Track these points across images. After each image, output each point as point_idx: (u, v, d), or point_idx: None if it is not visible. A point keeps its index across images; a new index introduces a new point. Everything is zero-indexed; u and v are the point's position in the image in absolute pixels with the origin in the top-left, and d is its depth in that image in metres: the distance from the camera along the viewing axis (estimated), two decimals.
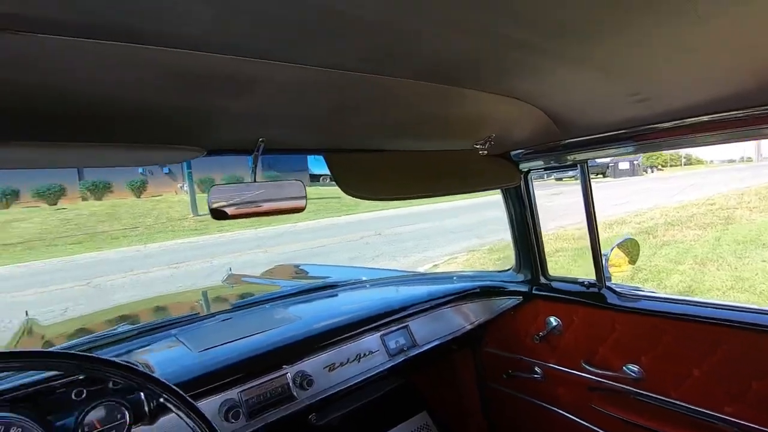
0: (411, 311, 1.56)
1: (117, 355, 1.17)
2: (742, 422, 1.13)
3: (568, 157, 1.40)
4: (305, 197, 1.11)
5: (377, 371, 1.39)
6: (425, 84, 0.86)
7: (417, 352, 1.50)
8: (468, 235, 8.88)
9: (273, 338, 1.26)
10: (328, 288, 1.69)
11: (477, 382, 1.89)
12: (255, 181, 1.06)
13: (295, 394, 1.20)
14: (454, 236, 9.07)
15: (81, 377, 0.89)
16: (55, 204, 14.44)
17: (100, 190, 15.22)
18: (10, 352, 0.76)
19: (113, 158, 0.82)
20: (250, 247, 9.44)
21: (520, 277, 1.71)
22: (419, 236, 9.42)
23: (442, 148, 1.37)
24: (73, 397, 0.86)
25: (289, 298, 1.59)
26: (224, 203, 1.00)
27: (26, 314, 2.00)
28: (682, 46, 0.72)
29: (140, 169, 16.47)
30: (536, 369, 1.65)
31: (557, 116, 1.18)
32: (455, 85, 0.90)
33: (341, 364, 1.34)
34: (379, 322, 1.46)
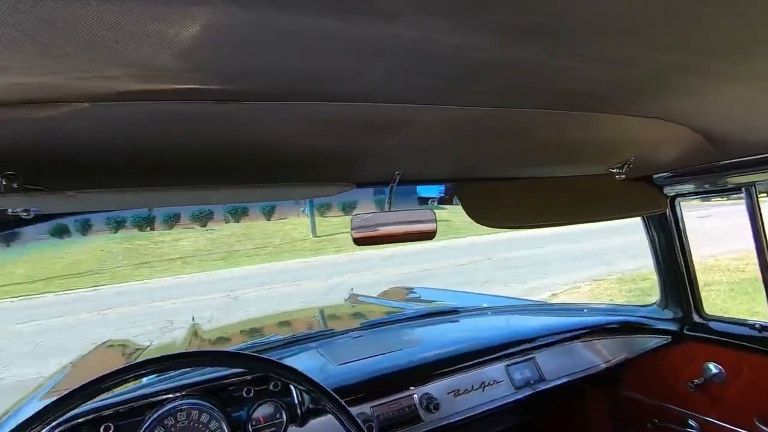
0: (538, 343, 1.49)
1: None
2: None
3: (729, 180, 1.23)
4: (435, 222, 1.16)
5: (502, 402, 1.35)
6: (561, 113, 0.86)
7: (545, 387, 1.43)
8: (592, 263, 8.09)
9: (401, 359, 1.32)
10: (450, 313, 1.72)
11: (612, 429, 1.71)
12: (390, 210, 1.16)
13: (422, 415, 1.24)
14: (575, 263, 8.35)
15: (249, 378, 1.04)
16: (205, 226, 17.00)
17: (238, 213, 17.53)
18: (207, 351, 0.94)
19: (279, 195, 0.98)
20: (362, 269, 9.90)
21: (668, 314, 1.52)
22: (534, 262, 8.88)
23: (574, 174, 1.32)
24: (244, 394, 1.02)
25: (413, 320, 1.65)
26: (364, 231, 1.11)
27: (192, 319, 2.38)
28: None
29: None
30: (690, 422, 1.43)
31: (712, 135, 1.06)
32: (593, 111, 0.88)
33: (465, 391, 1.33)
34: (504, 352, 1.43)
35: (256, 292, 8.66)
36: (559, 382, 1.45)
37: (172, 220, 17.28)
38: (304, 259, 12.26)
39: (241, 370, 0.98)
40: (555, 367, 1.48)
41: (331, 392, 0.81)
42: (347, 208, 18.65)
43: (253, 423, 0.98)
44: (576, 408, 1.76)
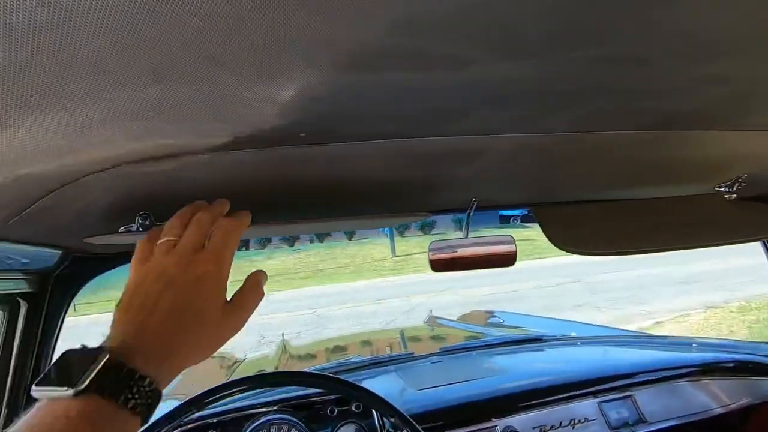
0: (637, 379, 1.36)
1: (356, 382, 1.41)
2: None
3: None
4: (515, 246, 1.14)
5: None
6: (650, 132, 0.81)
7: (647, 430, 1.29)
8: (704, 287, 7.12)
9: (482, 387, 1.29)
10: (534, 341, 1.64)
11: None
12: (467, 237, 1.16)
13: None
14: (682, 287, 7.41)
15: (332, 398, 1.10)
16: (293, 245, 18.13)
17: (322, 234, 18.46)
18: (300, 372, 1.02)
19: (362, 225, 1.04)
20: (441, 289, 9.78)
21: None
22: (633, 285, 8.05)
23: (673, 194, 1.21)
24: (328, 412, 1.07)
25: (494, 348, 1.60)
26: (442, 254, 1.12)
27: (282, 336, 2.56)
28: None
29: None
30: None
31: None
32: (693, 129, 0.81)
33: (553, 428, 1.26)
34: (597, 387, 1.33)
35: (340, 309, 8.98)
36: (663, 425, 1.30)
37: (264, 241, 18.69)
38: (385, 278, 12.45)
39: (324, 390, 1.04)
40: (658, 408, 1.34)
41: (409, 418, 0.83)
42: (425, 228, 18.67)
43: None
44: None
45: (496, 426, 1.21)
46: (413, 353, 1.55)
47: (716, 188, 1.18)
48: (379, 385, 1.36)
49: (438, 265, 1.13)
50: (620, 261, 10.10)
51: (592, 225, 1.18)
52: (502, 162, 0.90)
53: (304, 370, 1.18)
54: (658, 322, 5.89)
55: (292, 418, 1.01)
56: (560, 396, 1.29)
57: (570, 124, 0.73)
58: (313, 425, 1.05)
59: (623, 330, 1.94)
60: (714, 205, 1.21)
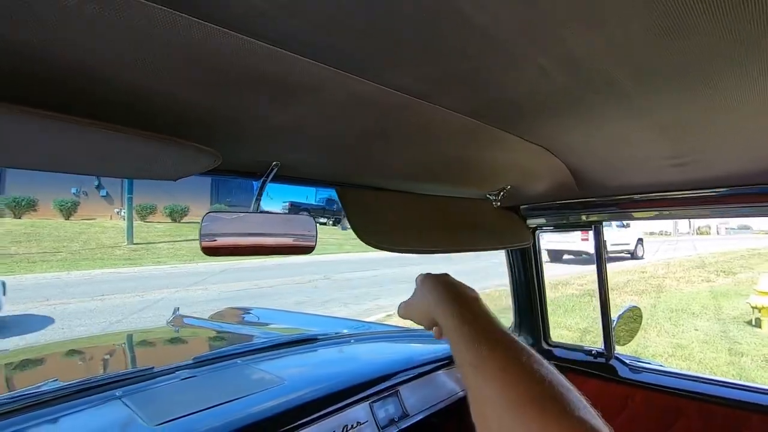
0: (403, 376, 1.37)
1: (42, 425, 0.88)
2: None
3: (583, 217, 1.34)
4: (315, 236, 0.93)
5: None
6: (471, 120, 0.75)
7: (409, 422, 1.30)
8: None
9: (249, 407, 1.02)
10: (308, 342, 1.46)
11: None
12: (258, 211, 0.88)
13: None
14: (406, 286, 8.93)
15: None
16: None
17: (21, 207, 13.68)
18: None
19: (110, 143, 0.59)
20: (188, 284, 8.73)
21: (522, 341, 1.59)
22: (370, 283, 9.20)
23: (456, 195, 1.26)
24: None
25: (262, 352, 1.34)
26: (221, 237, 0.80)
27: None
28: (735, 110, 0.67)
29: (73, 189, 15.13)
30: None
31: (579, 172, 1.11)
32: (492, 125, 0.80)
33: None
34: (369, 390, 1.26)
35: (38, 307, 6.70)
36: (421, 415, 1.35)
37: None
38: (115, 269, 10.19)
39: None
40: (417, 400, 1.38)
41: None
42: (176, 215, 16.34)
43: None
44: None
45: None
46: (153, 368, 1.12)
47: (487, 195, 1.31)
48: (90, 425, 0.89)
49: (212, 250, 0.80)
50: (360, 262, 11.49)
51: (393, 216, 1.10)
52: (324, 116, 0.68)
53: None
54: (388, 315, 6.84)
55: None
56: (335, 406, 1.15)
57: (410, 84, 0.59)
58: None
59: (388, 325, 2.01)
60: (484, 212, 1.34)
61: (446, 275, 0.69)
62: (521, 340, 1.59)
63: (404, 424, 1.29)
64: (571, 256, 12.93)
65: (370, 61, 0.50)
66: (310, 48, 0.46)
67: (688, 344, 5.46)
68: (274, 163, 0.84)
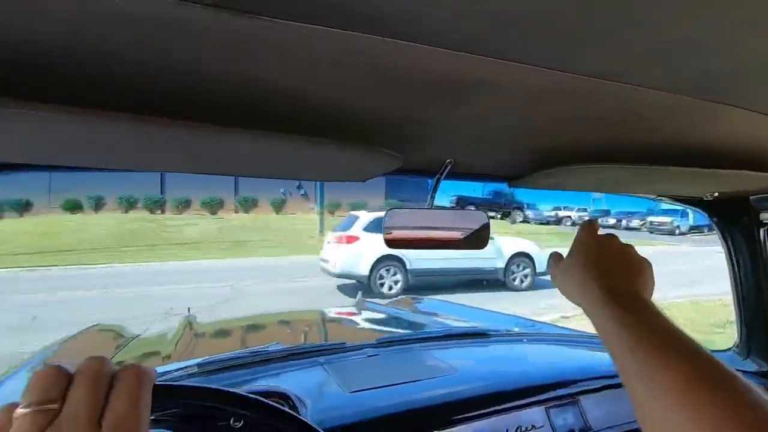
0: (584, 386, 1.25)
1: (268, 377, 1.13)
2: None
3: None
4: (489, 230, 0.93)
5: None
6: (672, 96, 0.62)
7: None
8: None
9: (423, 391, 1.09)
10: (479, 336, 1.47)
11: None
12: (432, 207, 0.93)
13: None
14: None
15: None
16: (215, 214, 16.98)
17: (249, 204, 17.48)
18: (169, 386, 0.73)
19: (302, 150, 0.72)
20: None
21: (750, 365, 1.26)
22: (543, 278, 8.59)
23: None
24: (231, 423, 0.79)
25: (436, 341, 1.41)
26: (402, 230, 0.88)
27: (188, 310, 2.18)
28: None
29: (281, 189, 18.52)
30: None
31: None
32: (713, 100, 0.65)
33: None
34: (545, 395, 1.19)
35: (259, 285, 8.49)
36: None
37: (182, 205, 17.33)
38: (309, 255, 12.10)
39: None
40: (602, 415, 1.24)
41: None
42: (357, 209, 18.45)
43: None
44: None
45: None
46: (345, 343, 1.30)
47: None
48: (303, 383, 1.10)
49: (396, 242, 0.89)
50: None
51: None
52: (503, 109, 0.67)
53: (192, 384, 0.87)
54: (563, 317, 6.28)
55: None
56: (508, 404, 1.13)
57: (598, 66, 0.52)
58: None
59: (566, 329, 1.87)
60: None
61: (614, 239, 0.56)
62: (751, 364, 1.28)
63: None
64: None
65: (547, 51, 0.47)
66: (483, 45, 0.47)
67: None
68: (448, 161, 0.88)
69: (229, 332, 2.13)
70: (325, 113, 0.63)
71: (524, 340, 1.50)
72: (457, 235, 0.92)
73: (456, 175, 0.98)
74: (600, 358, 1.43)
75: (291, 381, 1.09)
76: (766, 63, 0.51)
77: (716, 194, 1.11)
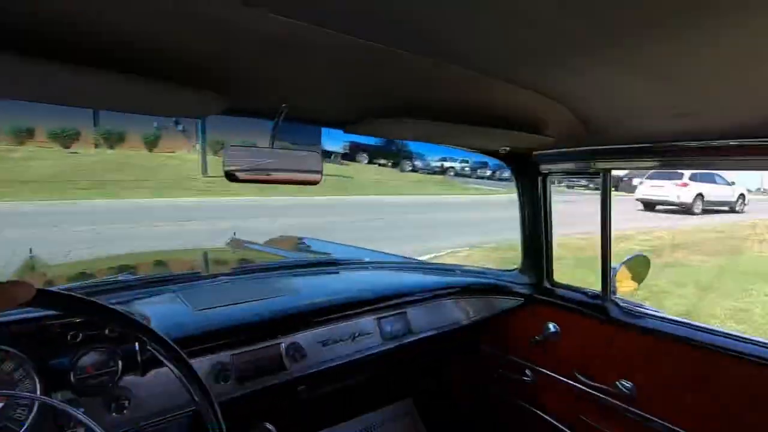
0: (410, 299, 1.55)
1: (117, 303, 1.18)
2: None
3: (592, 165, 1.36)
4: (321, 171, 1.09)
5: (369, 353, 1.39)
6: (464, 71, 0.82)
7: (411, 339, 1.50)
8: (472, 230, 8.86)
9: (271, 307, 1.26)
10: (331, 264, 1.69)
11: (467, 378, 1.89)
12: (273, 147, 1.05)
13: (286, 364, 1.21)
14: (458, 229, 9.06)
15: (78, 320, 0.89)
16: (69, 147, 14.51)
17: (113, 138, 15.27)
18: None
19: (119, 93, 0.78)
20: (257, 215, 9.48)
21: (525, 279, 1.69)
22: (423, 225, 9.41)
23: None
24: (68, 339, 0.86)
25: (291, 269, 1.58)
26: (238, 165, 0.98)
27: (30, 251, 2.01)
28: (735, 61, 0.68)
29: (155, 123, 16.50)
30: (527, 372, 1.64)
31: (589, 120, 1.14)
32: (490, 75, 0.86)
33: (335, 342, 1.34)
34: (377, 305, 1.46)
35: (130, 229, 7.77)
36: (425, 335, 1.54)
37: (23, 135, 14.43)
38: (191, 198, 11.29)
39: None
40: (424, 322, 1.56)
41: (167, 340, 0.71)
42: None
43: (78, 372, 0.84)
44: (439, 359, 1.91)
45: (281, 343, 1.21)
46: (200, 273, 1.40)
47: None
48: (152, 307, 1.18)
49: (234, 175, 0.99)
50: (416, 205, 11.68)
51: None
52: (324, 66, 0.80)
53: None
54: (435, 256, 7.08)
55: (7, 348, 0.77)
56: (345, 313, 1.37)
57: (384, 35, 0.68)
58: (42, 355, 0.82)
59: (408, 258, 2.19)
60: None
61: None
62: (525, 279, 1.72)
63: (407, 340, 1.49)
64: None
65: (351, 18, 0.60)
66: (298, 9, 0.58)
67: (751, 308, 5.15)
68: (284, 105, 0.99)
69: (85, 271, 2.04)
70: (158, 57, 0.69)
71: (369, 267, 1.76)
72: (292, 174, 1.05)
73: (295, 119, 1.10)
74: (429, 278, 1.75)
75: (139, 305, 1.17)
76: (524, 47, 0.71)
77: (508, 149, 1.42)
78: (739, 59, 0.66)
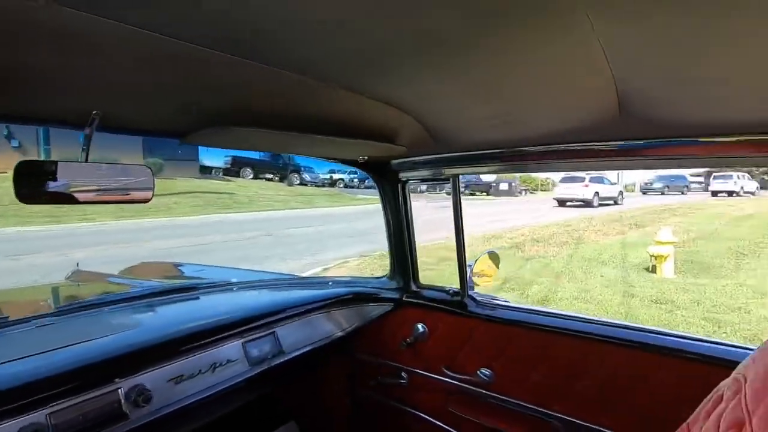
0: (279, 317, 1.47)
1: None
2: (566, 417, 1.27)
3: (443, 171, 1.46)
4: (152, 187, 0.97)
5: (233, 382, 1.28)
6: (291, 76, 0.80)
7: (282, 360, 1.42)
8: (360, 240, 9.00)
9: (104, 347, 1.07)
10: (188, 290, 1.52)
11: (347, 390, 1.87)
12: (87, 161, 0.90)
13: (127, 412, 1.04)
14: (348, 240, 9.12)
15: None
16: None
17: None
18: None
19: None
20: (117, 240, 8.34)
21: (393, 284, 1.74)
22: (312, 239, 9.27)
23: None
24: None
25: (138, 300, 1.39)
26: (35, 185, 0.82)
27: None
28: (543, 75, 0.77)
29: None
30: (402, 374, 1.68)
31: (435, 130, 1.21)
32: (335, 85, 0.86)
33: (191, 376, 1.19)
34: (243, 328, 1.35)
35: None
36: (297, 353, 1.47)
37: None
38: (36, 227, 9.47)
39: None
40: (295, 339, 1.50)
41: None
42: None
43: None
44: (317, 375, 1.85)
45: (119, 387, 1.04)
46: (8, 317, 1.14)
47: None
48: None
49: (29, 194, 0.82)
50: (304, 218, 11.49)
51: None
52: (134, 68, 0.70)
53: None
54: (325, 268, 7.00)
55: None
56: (204, 341, 1.24)
57: (206, 37, 0.62)
58: None
59: (277, 274, 2.11)
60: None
61: None
62: (394, 284, 1.73)
63: (277, 361, 1.41)
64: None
65: (164, 17, 0.53)
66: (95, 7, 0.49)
67: (592, 288, 6.11)
68: (95, 112, 0.85)
69: None
70: None
71: (235, 288, 1.64)
72: (115, 193, 0.92)
73: (115, 128, 0.96)
74: (296, 294, 1.69)
75: None
76: (352, 55, 0.70)
77: (366, 158, 1.45)
78: (548, 75, 0.75)
